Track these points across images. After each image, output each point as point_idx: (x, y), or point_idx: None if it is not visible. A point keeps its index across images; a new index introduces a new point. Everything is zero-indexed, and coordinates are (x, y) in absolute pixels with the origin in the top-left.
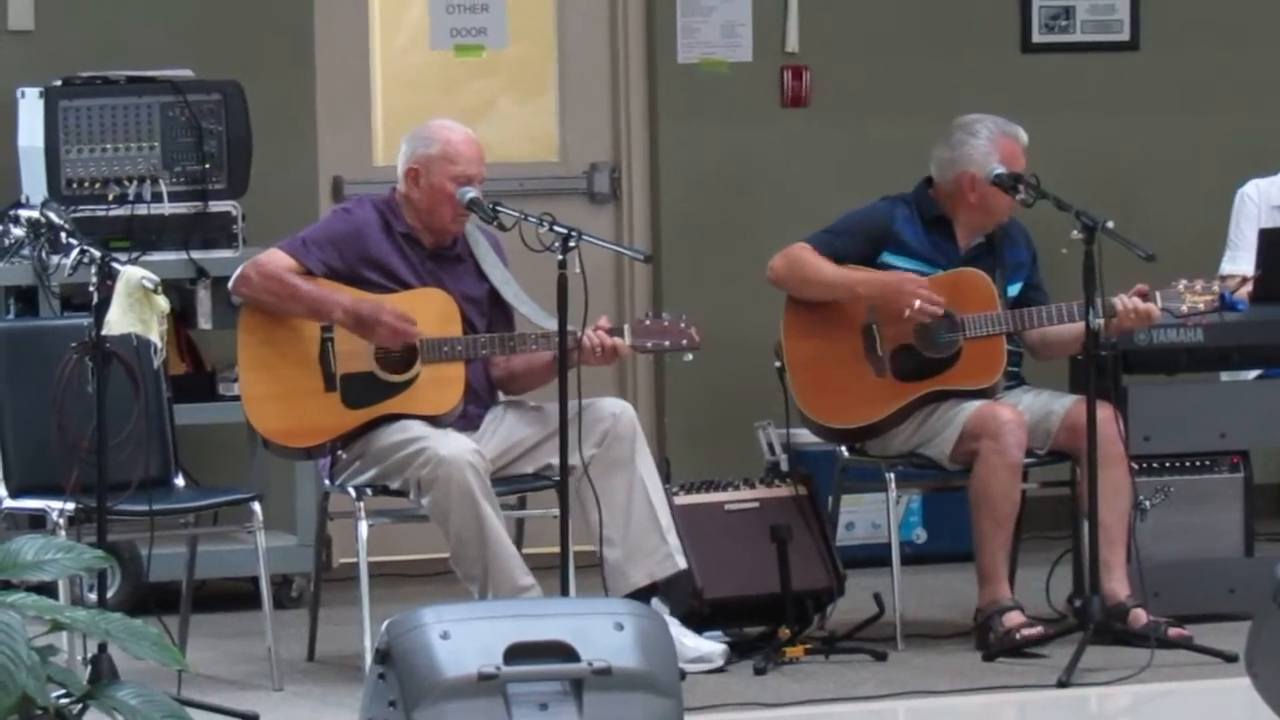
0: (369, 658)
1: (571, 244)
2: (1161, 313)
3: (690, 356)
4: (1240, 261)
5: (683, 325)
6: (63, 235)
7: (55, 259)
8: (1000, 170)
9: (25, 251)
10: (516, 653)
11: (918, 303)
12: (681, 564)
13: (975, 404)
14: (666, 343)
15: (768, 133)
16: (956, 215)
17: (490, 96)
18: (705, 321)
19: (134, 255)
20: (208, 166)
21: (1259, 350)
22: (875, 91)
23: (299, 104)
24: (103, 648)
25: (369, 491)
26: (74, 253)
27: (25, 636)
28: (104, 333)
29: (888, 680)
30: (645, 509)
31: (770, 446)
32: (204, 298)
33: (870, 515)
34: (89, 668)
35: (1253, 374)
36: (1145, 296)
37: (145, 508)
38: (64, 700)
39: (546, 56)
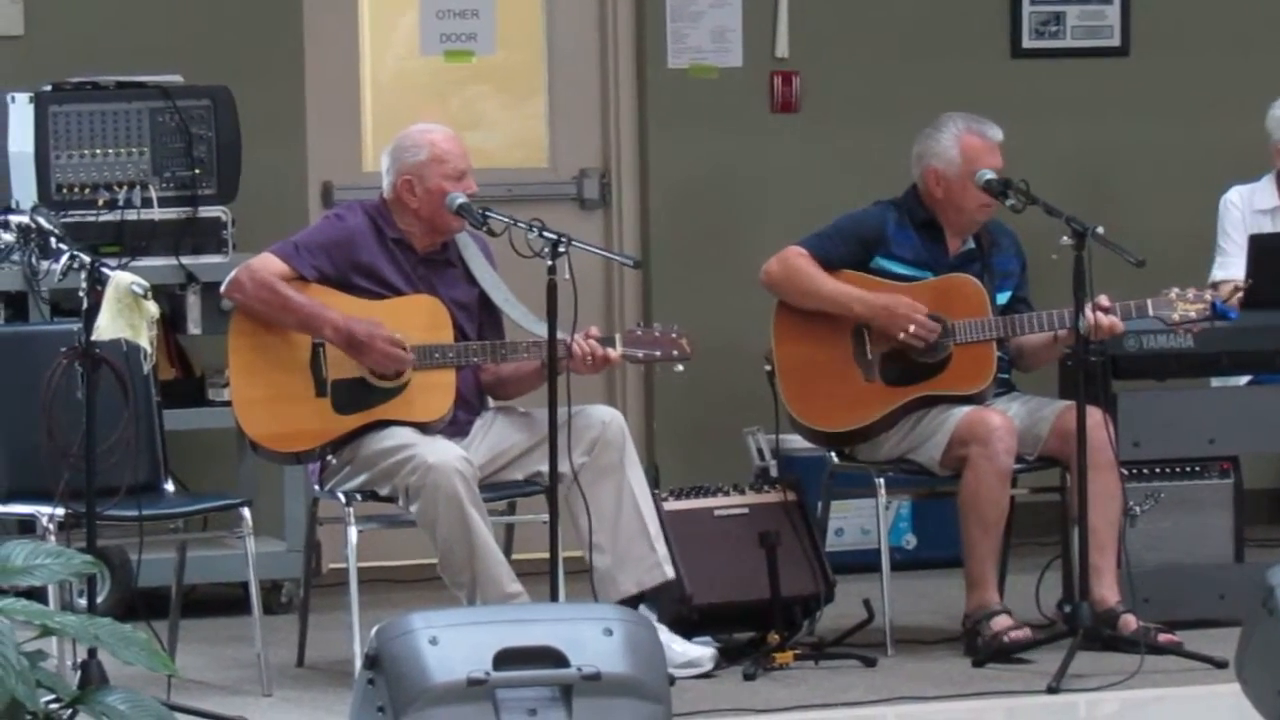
0: (358, 663)
1: (561, 250)
2: (1153, 319)
3: (681, 367)
4: (1231, 268)
5: (674, 335)
6: (52, 240)
7: (45, 264)
8: (990, 175)
9: (15, 257)
10: (506, 658)
11: (912, 327)
12: (669, 573)
13: (964, 409)
14: (658, 353)
15: (757, 138)
16: (941, 217)
17: (480, 102)
18: (694, 327)
19: (123, 260)
20: (197, 172)
21: (1249, 356)
22: (865, 97)
23: (289, 109)
24: (92, 653)
25: (358, 497)
26: (64, 258)
27: (15, 642)
28: (93, 338)
29: (877, 686)
30: (634, 517)
31: (759, 452)
32: (193, 303)
33: (859, 521)
34: (78, 673)
35: (1243, 380)
36: (1107, 310)
37: (135, 513)
38: (53, 705)
39: (536, 62)
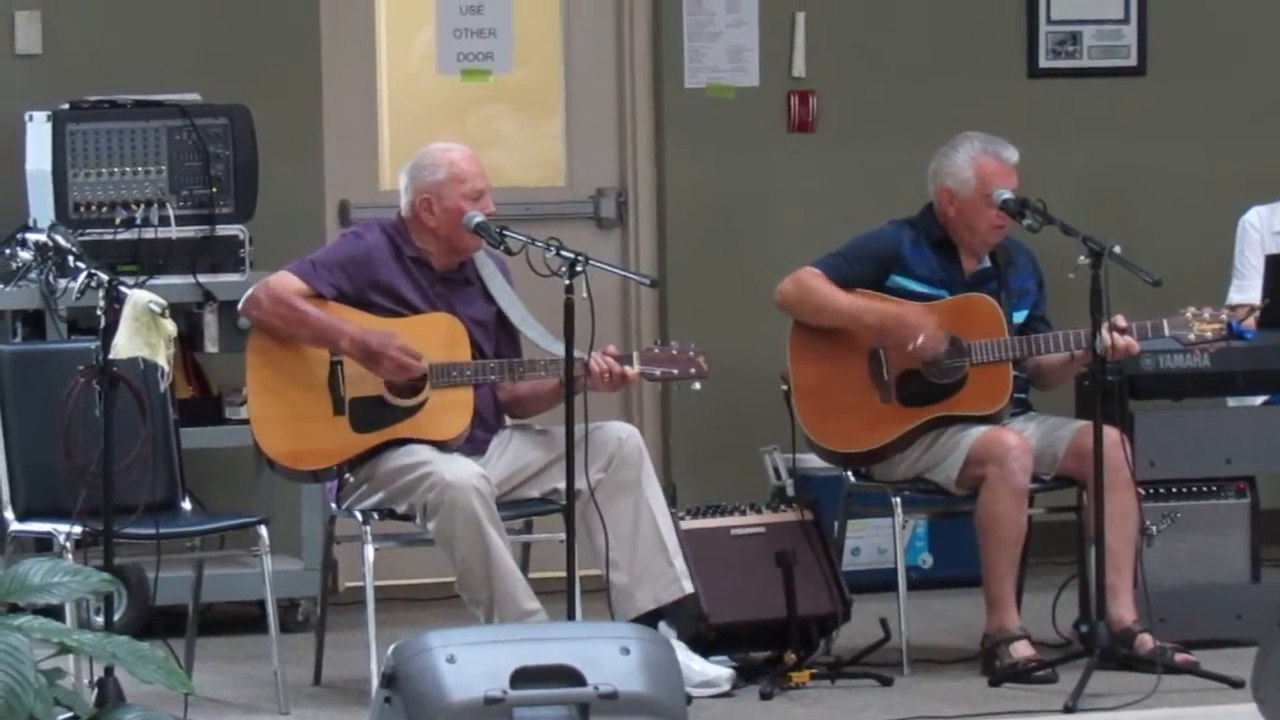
0: (375, 681)
1: (578, 269)
2: (1170, 338)
3: (699, 385)
4: (1248, 290)
5: (692, 353)
6: (70, 259)
7: (62, 282)
8: (1007, 195)
9: (32, 275)
10: (523, 677)
11: (921, 338)
12: (688, 588)
13: (981, 429)
14: (675, 371)
15: (774, 158)
16: (954, 236)
17: (497, 121)
18: (711, 346)
19: (141, 279)
20: (215, 190)
21: (1265, 376)
22: (882, 116)
23: (306, 128)
24: (109, 671)
25: (375, 515)
26: (81, 276)
27: (32, 659)
28: (111, 356)
29: (893, 705)
30: (652, 532)
31: (776, 471)
32: (211, 321)
33: (876, 540)
34: (95, 691)
35: (1259, 399)
36: (1123, 330)
37: (152, 531)
38: None
39: (553, 81)
